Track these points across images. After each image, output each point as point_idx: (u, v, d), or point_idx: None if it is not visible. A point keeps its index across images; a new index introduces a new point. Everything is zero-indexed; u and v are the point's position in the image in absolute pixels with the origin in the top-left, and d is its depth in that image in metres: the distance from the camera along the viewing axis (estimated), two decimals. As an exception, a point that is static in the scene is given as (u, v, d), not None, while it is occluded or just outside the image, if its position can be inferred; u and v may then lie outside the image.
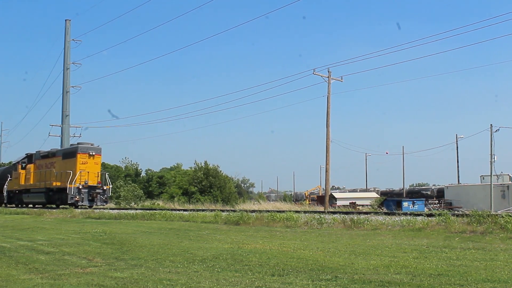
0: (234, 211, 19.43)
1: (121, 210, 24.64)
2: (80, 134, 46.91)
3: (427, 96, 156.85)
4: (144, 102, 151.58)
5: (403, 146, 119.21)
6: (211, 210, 21.00)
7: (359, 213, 16.68)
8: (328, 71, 37.30)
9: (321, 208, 32.62)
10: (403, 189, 66.03)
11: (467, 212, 14.03)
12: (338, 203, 51.64)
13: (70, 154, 31.88)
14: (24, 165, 36.64)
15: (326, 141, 37.45)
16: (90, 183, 30.66)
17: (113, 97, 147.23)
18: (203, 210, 21.93)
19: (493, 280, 5.95)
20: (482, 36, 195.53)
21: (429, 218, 12.86)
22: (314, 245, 9.78)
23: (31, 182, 35.17)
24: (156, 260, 8.06)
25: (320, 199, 52.31)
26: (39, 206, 34.09)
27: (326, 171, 38.02)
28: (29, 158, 36.84)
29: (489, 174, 45.94)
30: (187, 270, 7.08)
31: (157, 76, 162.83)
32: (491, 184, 43.53)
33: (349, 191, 75.18)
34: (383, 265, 7.13)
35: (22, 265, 7.95)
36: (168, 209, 24.10)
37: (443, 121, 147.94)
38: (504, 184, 47.86)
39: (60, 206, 31.41)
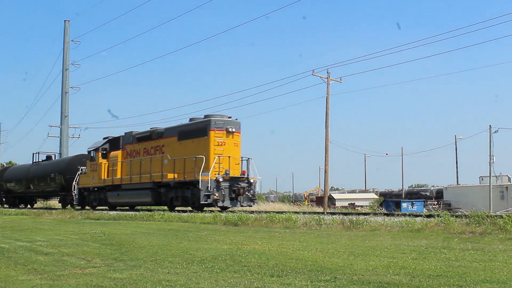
0: (233, 212, 19.41)
1: (120, 211, 24.60)
2: (79, 135, 47.00)
3: (426, 97, 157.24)
4: (144, 102, 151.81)
5: (402, 147, 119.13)
6: (210, 211, 20.97)
7: (358, 214, 16.67)
8: (327, 72, 37.40)
9: (320, 209, 32.63)
10: (402, 190, 66.07)
11: (466, 213, 14.02)
12: (337, 204, 51.69)
13: (196, 131, 21.93)
14: (105, 152, 26.94)
15: (325, 142, 37.49)
16: (232, 174, 21.16)
17: (113, 97, 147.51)
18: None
19: (491, 281, 5.95)
20: (482, 36, 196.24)
21: (428, 219, 12.84)
22: (313, 246, 9.77)
23: (120, 176, 25.48)
24: (155, 261, 8.06)
25: (319, 200, 52.35)
26: (125, 208, 25.59)
27: (325, 172, 38.04)
28: (113, 142, 26.93)
29: (488, 175, 46.05)
30: (186, 270, 7.08)
31: (157, 76, 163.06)
32: (490, 185, 43.62)
33: (348, 192, 75.31)
34: (382, 266, 7.13)
35: (21, 266, 7.94)
36: (167, 210, 24.03)
37: (443, 122, 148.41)
38: (503, 185, 47.97)
39: (176, 209, 22.55)
